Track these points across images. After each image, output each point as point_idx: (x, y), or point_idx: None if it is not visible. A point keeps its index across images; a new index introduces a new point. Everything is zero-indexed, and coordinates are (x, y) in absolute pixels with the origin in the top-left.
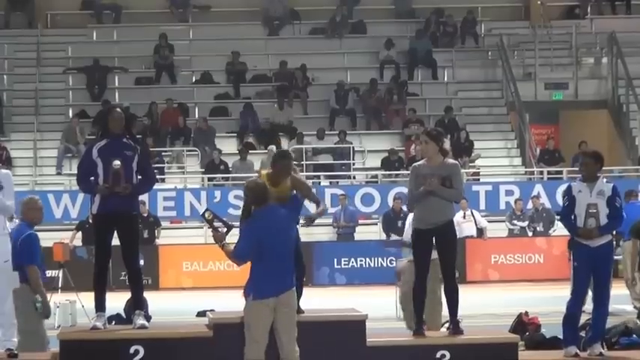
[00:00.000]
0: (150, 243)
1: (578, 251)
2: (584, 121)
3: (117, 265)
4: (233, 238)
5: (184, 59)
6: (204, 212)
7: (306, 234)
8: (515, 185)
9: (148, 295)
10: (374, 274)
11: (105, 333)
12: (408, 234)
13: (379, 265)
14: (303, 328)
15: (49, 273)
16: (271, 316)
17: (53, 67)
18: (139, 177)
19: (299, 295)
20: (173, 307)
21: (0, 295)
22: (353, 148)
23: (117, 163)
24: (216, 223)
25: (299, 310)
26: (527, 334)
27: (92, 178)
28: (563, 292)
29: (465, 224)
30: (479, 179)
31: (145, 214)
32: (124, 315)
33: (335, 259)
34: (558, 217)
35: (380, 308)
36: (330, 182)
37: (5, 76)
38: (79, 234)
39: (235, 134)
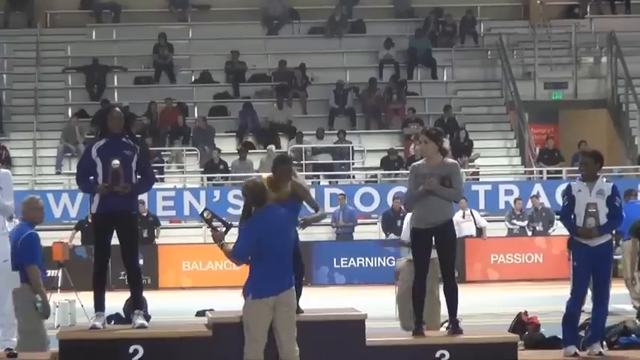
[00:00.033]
0: (149, 242)
1: (577, 251)
2: (584, 120)
3: (116, 265)
4: (232, 237)
5: (184, 59)
6: (202, 212)
7: (306, 234)
8: (515, 185)
9: (148, 295)
10: (373, 274)
11: (104, 332)
12: (406, 233)
13: (378, 264)
14: (302, 327)
15: (49, 272)
16: (270, 315)
17: (52, 67)
18: (139, 176)
19: (298, 294)
20: (172, 307)
21: None
22: (352, 147)
23: (116, 162)
24: (215, 223)
25: (298, 310)
26: (527, 333)
27: (91, 177)
28: (563, 291)
29: (464, 224)
30: (478, 179)
31: (145, 214)
32: (123, 314)
33: (334, 259)
34: (558, 217)
35: (379, 308)
36: (330, 182)
37: (5, 76)
38: (79, 233)
39: (235, 134)
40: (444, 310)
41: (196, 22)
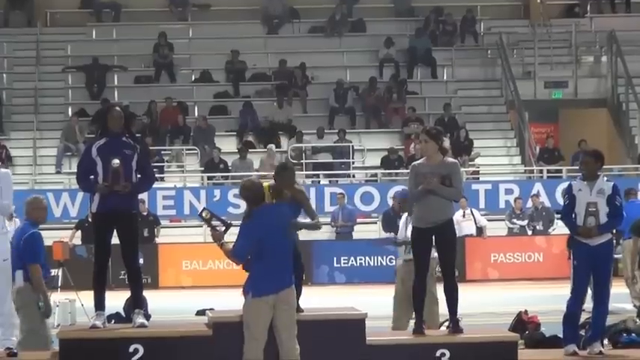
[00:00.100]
0: (149, 242)
1: (577, 250)
2: (584, 119)
3: (116, 264)
4: (232, 237)
5: (184, 58)
6: (201, 212)
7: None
8: (515, 184)
9: (148, 294)
10: (373, 273)
11: (104, 332)
12: (402, 233)
13: (379, 263)
14: (302, 326)
15: None
16: (270, 313)
17: (52, 66)
18: (139, 176)
19: (298, 294)
20: (172, 306)
21: None
22: (352, 146)
23: (116, 161)
24: (215, 222)
25: (298, 309)
26: (527, 332)
27: (92, 176)
28: (563, 290)
29: (464, 223)
30: (478, 178)
31: (145, 213)
32: (123, 314)
33: (334, 258)
34: (558, 216)
35: (380, 307)
36: (330, 181)
37: (5, 75)
38: (79, 233)
39: (235, 133)
40: (442, 309)
41: (196, 22)
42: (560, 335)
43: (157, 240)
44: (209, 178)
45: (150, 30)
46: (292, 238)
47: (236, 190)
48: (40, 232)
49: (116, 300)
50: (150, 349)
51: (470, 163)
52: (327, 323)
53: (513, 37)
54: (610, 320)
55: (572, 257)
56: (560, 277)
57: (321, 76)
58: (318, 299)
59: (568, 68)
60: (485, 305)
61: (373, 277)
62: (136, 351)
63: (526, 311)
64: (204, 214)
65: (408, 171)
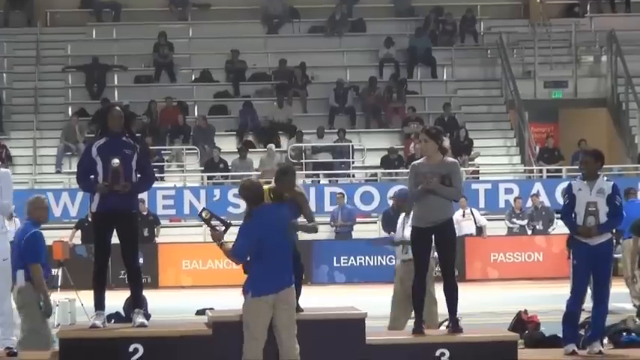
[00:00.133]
0: (149, 241)
1: (577, 249)
2: (584, 119)
3: (116, 264)
4: (232, 236)
5: (184, 57)
6: (201, 212)
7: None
8: (515, 183)
9: (148, 294)
10: (373, 273)
11: (104, 331)
12: (399, 233)
13: (378, 263)
14: (302, 326)
15: None
16: (270, 313)
17: (52, 66)
18: (139, 175)
19: (298, 294)
20: (172, 306)
21: None
22: (352, 146)
23: (116, 161)
24: (214, 222)
25: (298, 309)
26: (527, 332)
27: (92, 176)
28: (563, 290)
29: (464, 222)
30: (478, 177)
31: (145, 213)
32: (123, 313)
33: (334, 258)
34: (558, 216)
35: (379, 306)
36: (330, 181)
37: (5, 75)
38: (79, 232)
39: (235, 132)
40: (441, 309)
41: (196, 21)
42: (560, 335)
43: (157, 240)
44: (209, 177)
45: (150, 30)
46: (292, 238)
47: (236, 190)
48: (42, 231)
49: (116, 299)
50: (150, 348)
51: (470, 162)
52: (326, 323)
53: (513, 37)
54: (610, 320)
55: (571, 257)
56: (560, 276)
57: (321, 76)
58: (318, 299)
59: (568, 68)
60: (484, 305)
61: (373, 276)
62: (135, 350)
63: (526, 311)
64: (203, 215)
65: (408, 171)
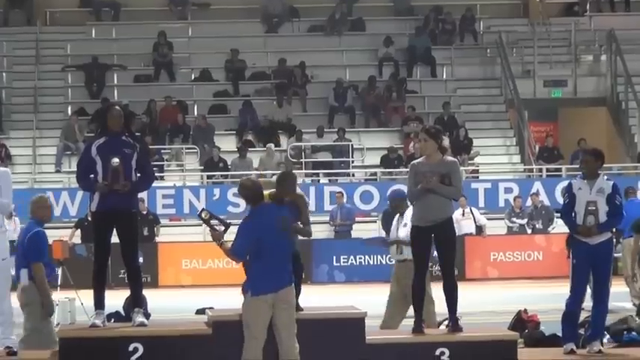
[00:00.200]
0: (149, 241)
1: (577, 249)
2: (583, 118)
3: (116, 263)
4: (232, 236)
5: (183, 57)
6: (200, 212)
7: None
8: (514, 183)
9: (147, 293)
10: (373, 272)
11: (104, 331)
12: (393, 233)
13: (378, 262)
14: (302, 325)
15: None
16: (270, 312)
17: (52, 65)
18: (138, 175)
19: (297, 293)
20: (172, 305)
21: None
22: (352, 145)
23: (116, 160)
24: (214, 222)
25: (298, 308)
26: (527, 331)
27: (91, 175)
28: (563, 289)
29: (464, 222)
30: (478, 177)
31: (144, 212)
32: (123, 313)
33: (334, 257)
34: (558, 215)
35: (379, 306)
36: (329, 180)
37: (4, 74)
38: (78, 231)
39: (234, 132)
40: (439, 308)
41: (196, 21)
42: (560, 334)
43: (157, 239)
44: (209, 177)
45: (149, 29)
46: (291, 237)
47: (235, 189)
48: (45, 230)
49: (116, 299)
50: (149, 348)
51: (469, 161)
52: (326, 322)
53: (513, 36)
54: (609, 319)
55: (571, 256)
56: (560, 275)
57: (321, 75)
58: (318, 298)
59: (567, 67)
60: (484, 304)
61: (373, 275)
62: (135, 350)
63: (525, 310)
64: (203, 215)
65: (408, 170)
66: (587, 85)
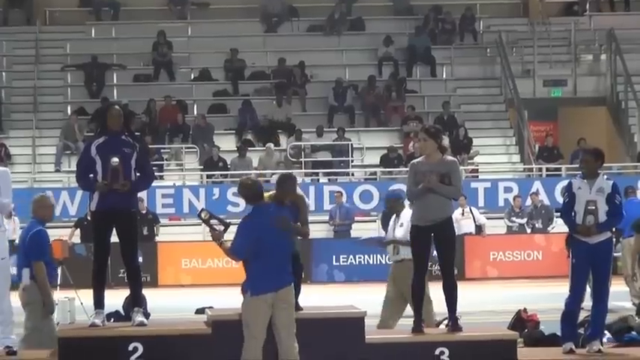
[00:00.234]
0: (149, 240)
1: (576, 248)
2: (583, 117)
3: (116, 263)
4: (232, 235)
5: (183, 56)
6: (200, 212)
7: None
8: (514, 182)
9: (147, 293)
10: (373, 271)
11: (104, 330)
12: (390, 234)
13: (378, 262)
14: (301, 325)
15: None
16: (269, 312)
17: (52, 64)
18: (138, 174)
19: (297, 292)
20: (172, 305)
21: None
22: (351, 145)
23: (115, 160)
24: (213, 222)
25: (297, 308)
26: (526, 331)
27: (91, 175)
28: (562, 288)
29: (463, 221)
30: (477, 176)
31: (144, 211)
32: (122, 312)
33: (334, 256)
34: (558, 214)
35: (379, 305)
36: (329, 179)
37: (4, 74)
38: (78, 231)
39: (234, 131)
40: (437, 307)
41: (195, 20)
42: (560, 333)
43: (157, 238)
44: (208, 176)
45: (149, 28)
46: (291, 237)
47: (235, 189)
48: (47, 230)
49: (115, 298)
50: (149, 347)
51: (469, 161)
52: (326, 322)
53: (512, 36)
54: (609, 318)
55: (570, 255)
56: (560, 275)
57: (320, 75)
58: (318, 297)
59: (567, 67)
60: (484, 303)
61: (372, 275)
62: (135, 349)
63: (525, 309)
64: (203, 215)
65: (407, 169)
66: (586, 84)
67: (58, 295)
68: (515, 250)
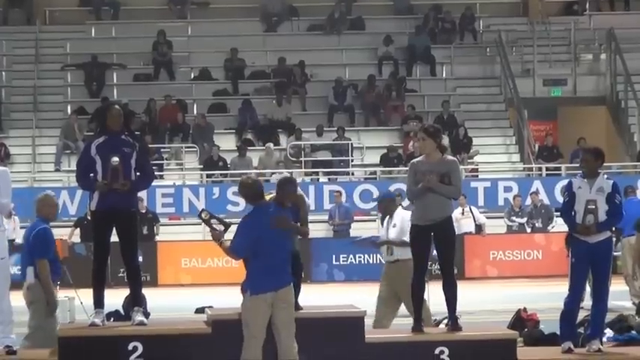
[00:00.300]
0: (148, 239)
1: (576, 247)
2: (583, 117)
3: (116, 262)
4: (232, 236)
5: (183, 56)
6: (200, 212)
7: None
8: (514, 181)
9: (147, 292)
10: (373, 271)
11: (103, 330)
12: (383, 235)
13: (378, 261)
14: (301, 324)
15: None
16: (269, 311)
17: (52, 64)
18: (138, 174)
19: (297, 292)
20: (172, 304)
21: None
22: (351, 144)
23: (115, 159)
24: (213, 222)
25: (297, 307)
26: (526, 330)
27: (91, 174)
28: (562, 288)
29: (463, 220)
30: (477, 176)
31: (144, 211)
32: (122, 311)
33: (333, 256)
34: (557, 214)
35: None
36: (329, 179)
37: (4, 73)
38: (78, 230)
39: (234, 130)
40: (434, 307)
41: (195, 19)
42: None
43: (156, 238)
44: (208, 175)
45: (149, 28)
46: (291, 237)
47: (235, 188)
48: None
49: (115, 298)
50: (149, 346)
51: (469, 160)
52: (325, 321)
53: (512, 35)
54: (609, 318)
55: (570, 255)
56: (559, 274)
57: (320, 74)
58: (317, 297)
59: (567, 66)
60: (484, 303)
61: (372, 274)
62: (135, 349)
63: (525, 309)
64: (203, 215)
65: (407, 169)
66: (586, 84)
67: (58, 295)
68: (515, 250)
